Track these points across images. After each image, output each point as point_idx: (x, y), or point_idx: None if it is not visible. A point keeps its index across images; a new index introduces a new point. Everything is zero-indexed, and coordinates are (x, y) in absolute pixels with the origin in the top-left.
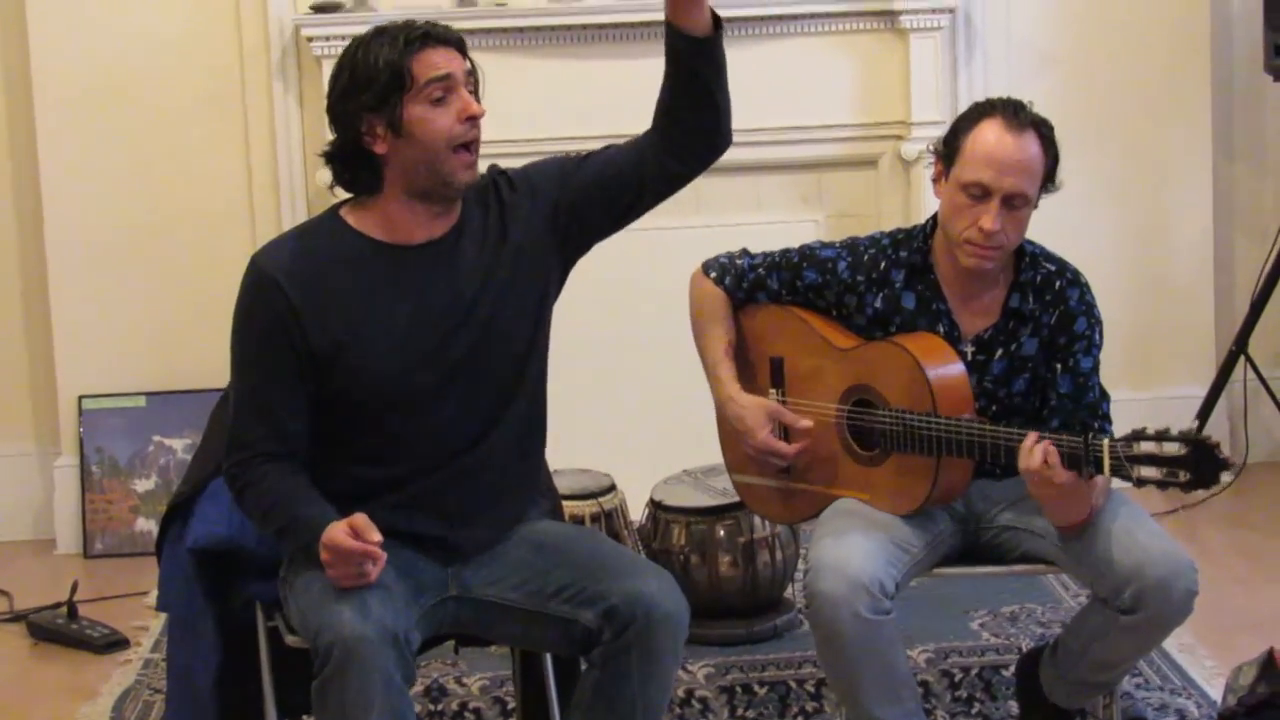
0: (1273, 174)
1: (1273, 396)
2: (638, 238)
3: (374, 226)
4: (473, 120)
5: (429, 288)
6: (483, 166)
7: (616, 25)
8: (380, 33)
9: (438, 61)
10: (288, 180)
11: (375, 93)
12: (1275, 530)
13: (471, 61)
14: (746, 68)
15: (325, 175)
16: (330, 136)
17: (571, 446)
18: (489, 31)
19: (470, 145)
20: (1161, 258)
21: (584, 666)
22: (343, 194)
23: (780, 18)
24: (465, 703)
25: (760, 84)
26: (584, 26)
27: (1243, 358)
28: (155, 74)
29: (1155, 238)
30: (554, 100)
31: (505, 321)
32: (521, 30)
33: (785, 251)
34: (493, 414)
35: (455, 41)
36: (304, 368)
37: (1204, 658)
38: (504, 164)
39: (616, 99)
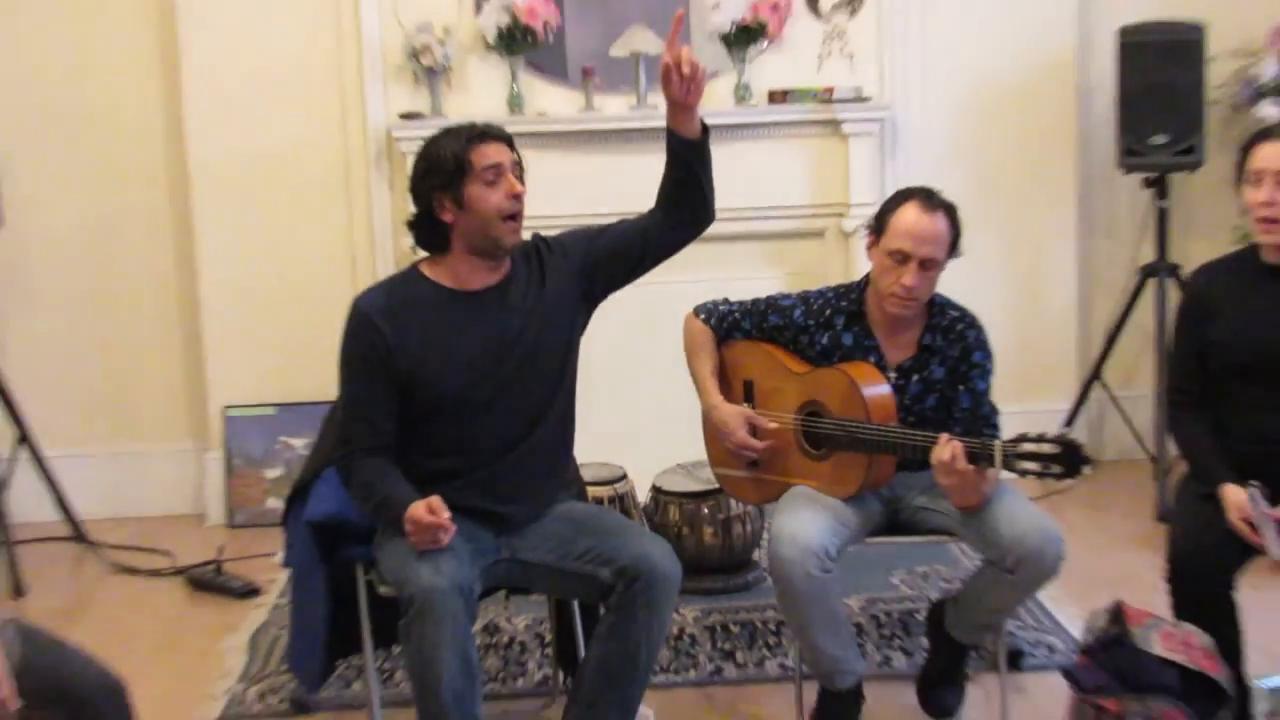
0: (1123, 246)
1: (1120, 410)
2: (645, 289)
3: (444, 277)
4: (517, 198)
5: (485, 324)
6: (527, 234)
7: (627, 130)
8: (448, 132)
9: (490, 153)
10: (380, 243)
11: (444, 177)
12: (1122, 512)
13: (517, 153)
14: (726, 162)
15: (408, 240)
16: (412, 210)
17: (593, 446)
18: (533, 134)
19: (515, 216)
20: (1038, 306)
21: (602, 611)
22: (421, 253)
23: (752, 125)
24: (513, 637)
25: (736, 175)
26: (603, 131)
27: (1098, 382)
28: (283, 163)
29: (1034, 291)
30: (581, 185)
31: (543, 351)
32: (557, 134)
33: (755, 300)
34: (533, 421)
35: (505, 138)
36: (392, 384)
37: (1068, 606)
38: (543, 233)
39: (627, 185)
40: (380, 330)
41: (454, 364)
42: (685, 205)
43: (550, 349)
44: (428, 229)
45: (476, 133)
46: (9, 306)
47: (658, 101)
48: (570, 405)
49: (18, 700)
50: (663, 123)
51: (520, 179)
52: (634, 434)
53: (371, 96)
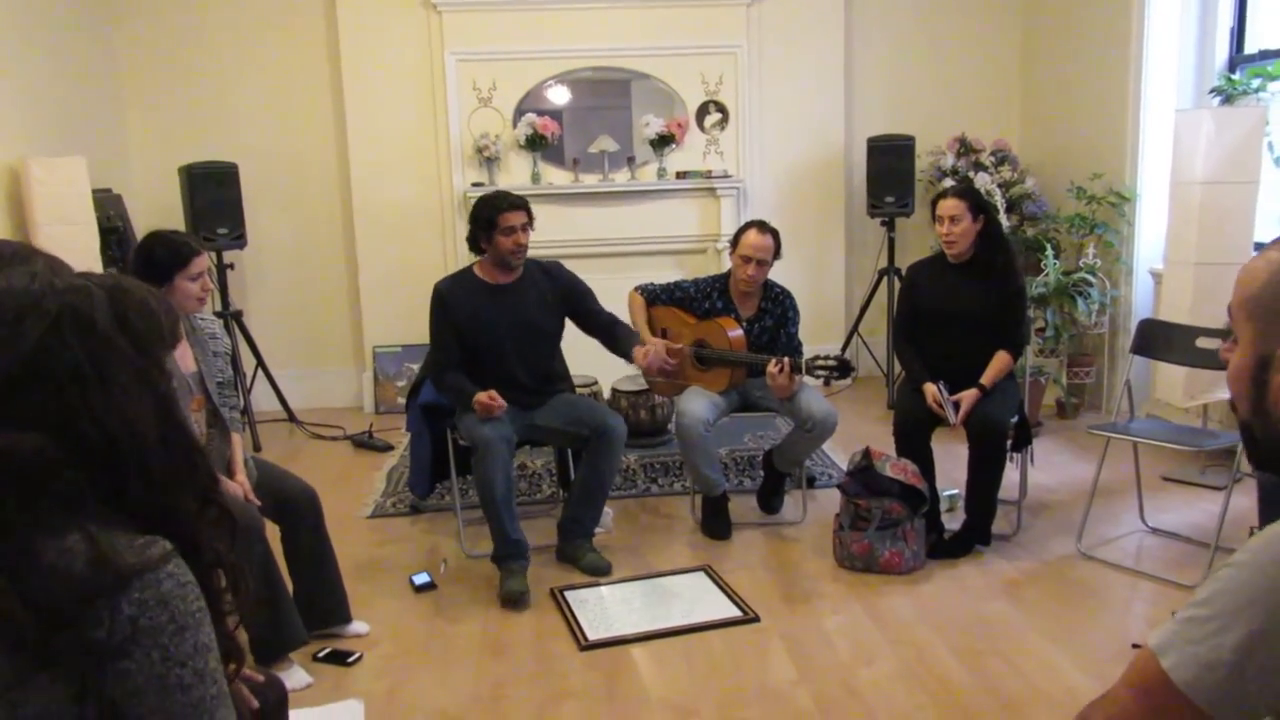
0: (869, 258)
1: (867, 348)
2: (616, 277)
3: (484, 275)
4: (519, 244)
5: (498, 304)
6: (546, 254)
7: (596, 193)
8: (495, 195)
9: (511, 218)
10: (458, 252)
11: (483, 224)
12: (868, 401)
13: (530, 215)
14: (655, 212)
15: (465, 249)
16: (469, 232)
17: (579, 365)
18: (546, 195)
19: (518, 252)
20: (825, 288)
21: (583, 455)
22: (474, 257)
23: (668, 190)
24: (535, 470)
25: (661, 218)
26: (583, 194)
27: (856, 332)
28: (407, 208)
29: (821, 280)
30: (571, 222)
31: (539, 323)
32: (559, 194)
33: (669, 283)
34: (539, 354)
35: (524, 206)
36: (454, 330)
37: (839, 451)
38: (549, 249)
39: (596, 222)
40: (446, 301)
41: (479, 323)
42: (608, 347)
43: (543, 324)
44: (474, 247)
45: (508, 203)
46: (254, 287)
47: (615, 177)
48: (558, 347)
49: (256, 500)
50: (614, 189)
51: (527, 230)
52: (602, 358)
53: (455, 172)
